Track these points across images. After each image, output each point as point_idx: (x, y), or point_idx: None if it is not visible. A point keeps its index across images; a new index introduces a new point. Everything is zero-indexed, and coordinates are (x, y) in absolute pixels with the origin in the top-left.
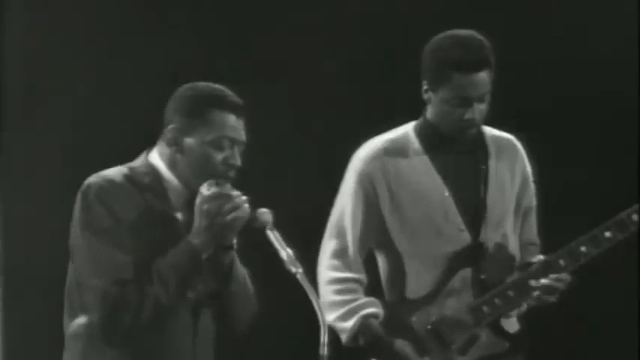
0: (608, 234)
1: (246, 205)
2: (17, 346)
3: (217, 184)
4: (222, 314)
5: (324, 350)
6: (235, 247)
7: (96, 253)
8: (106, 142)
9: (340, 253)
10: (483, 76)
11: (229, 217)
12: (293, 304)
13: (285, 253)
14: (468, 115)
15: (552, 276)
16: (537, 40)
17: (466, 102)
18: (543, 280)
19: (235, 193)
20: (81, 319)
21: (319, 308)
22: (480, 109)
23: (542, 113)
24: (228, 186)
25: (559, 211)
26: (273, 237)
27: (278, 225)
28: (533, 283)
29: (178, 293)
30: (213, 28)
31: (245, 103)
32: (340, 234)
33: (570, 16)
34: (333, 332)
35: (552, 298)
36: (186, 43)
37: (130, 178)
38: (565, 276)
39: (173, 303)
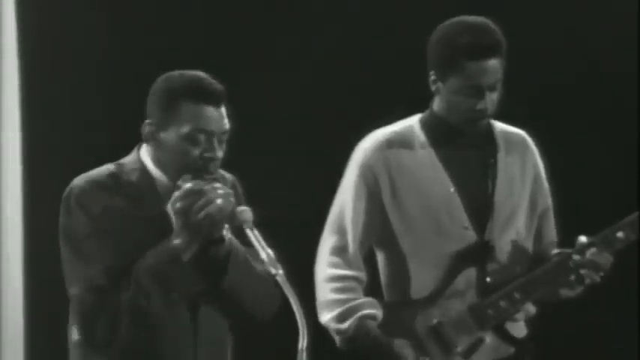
0: (620, 234)
1: (219, 200)
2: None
3: (192, 179)
4: (227, 310)
5: (302, 357)
6: (226, 238)
7: (73, 259)
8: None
9: (340, 250)
10: (495, 63)
11: (201, 214)
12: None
13: (265, 253)
14: (480, 106)
15: (596, 253)
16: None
17: (478, 91)
18: (588, 256)
19: (209, 187)
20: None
21: (299, 313)
22: (492, 98)
23: (550, 107)
24: (202, 181)
25: (570, 209)
26: (253, 236)
27: (274, 223)
28: (576, 257)
29: (159, 297)
30: (216, 17)
31: (225, 89)
32: (340, 230)
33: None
34: (313, 337)
35: (597, 277)
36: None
37: (117, 176)
38: (608, 255)
39: (157, 308)
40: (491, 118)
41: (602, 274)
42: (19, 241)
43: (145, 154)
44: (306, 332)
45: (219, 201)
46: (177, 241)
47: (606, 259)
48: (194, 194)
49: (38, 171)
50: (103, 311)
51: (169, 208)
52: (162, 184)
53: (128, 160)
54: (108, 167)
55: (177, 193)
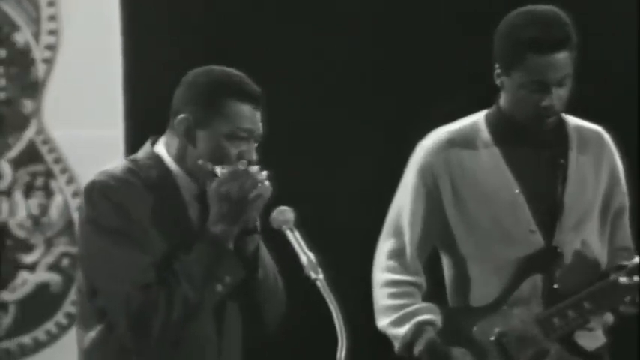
0: None
1: (268, 182)
2: None
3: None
4: (248, 306)
5: None
6: (259, 230)
7: (111, 254)
8: None
9: (397, 254)
10: (563, 57)
11: (252, 194)
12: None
13: (306, 257)
14: (545, 102)
15: None
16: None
17: (543, 86)
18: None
19: (253, 168)
20: (93, 332)
21: (339, 320)
22: (560, 94)
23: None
24: (244, 162)
25: None
26: (293, 238)
27: (331, 227)
28: (622, 280)
29: (207, 289)
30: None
31: (263, 92)
32: (398, 233)
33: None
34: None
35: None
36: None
37: (135, 172)
38: None
39: (203, 300)
40: (559, 114)
41: None
42: None
43: (162, 149)
44: (345, 341)
45: (267, 182)
46: (218, 229)
47: None
48: (242, 176)
49: None
50: (157, 306)
51: (210, 195)
52: (182, 182)
53: (142, 156)
54: (124, 164)
55: (220, 178)
